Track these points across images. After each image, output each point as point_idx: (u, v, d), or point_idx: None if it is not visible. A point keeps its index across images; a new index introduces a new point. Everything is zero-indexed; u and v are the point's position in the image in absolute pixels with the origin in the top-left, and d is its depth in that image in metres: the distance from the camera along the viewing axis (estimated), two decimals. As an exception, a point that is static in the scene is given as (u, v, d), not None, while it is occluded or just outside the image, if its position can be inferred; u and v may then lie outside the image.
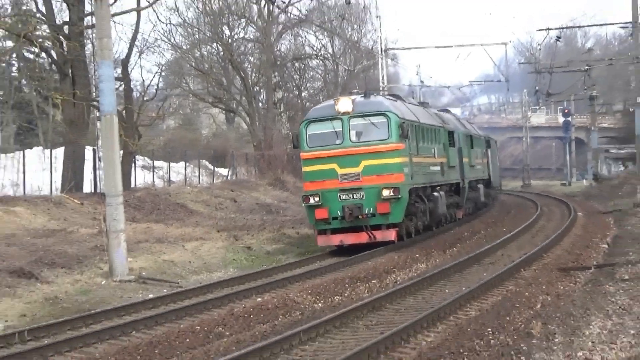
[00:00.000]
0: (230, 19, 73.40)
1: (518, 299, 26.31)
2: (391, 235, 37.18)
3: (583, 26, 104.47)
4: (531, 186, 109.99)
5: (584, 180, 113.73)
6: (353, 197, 35.88)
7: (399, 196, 36.44)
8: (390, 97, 47.24)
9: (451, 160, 51.32)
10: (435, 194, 45.27)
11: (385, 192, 35.54)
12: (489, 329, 21.71)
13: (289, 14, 77.34)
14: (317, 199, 36.09)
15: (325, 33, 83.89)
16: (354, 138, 36.53)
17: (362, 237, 36.98)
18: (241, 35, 72.22)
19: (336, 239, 36.60)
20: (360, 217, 36.32)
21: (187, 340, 23.22)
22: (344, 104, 36.25)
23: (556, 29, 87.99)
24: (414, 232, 42.82)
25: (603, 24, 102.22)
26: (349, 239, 36.28)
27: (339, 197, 36.29)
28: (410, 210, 40.14)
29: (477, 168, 67.41)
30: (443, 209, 46.93)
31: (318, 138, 37.21)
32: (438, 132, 48.65)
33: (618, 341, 18.07)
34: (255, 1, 73.14)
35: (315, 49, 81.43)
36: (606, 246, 38.94)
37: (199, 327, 24.75)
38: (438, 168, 47.31)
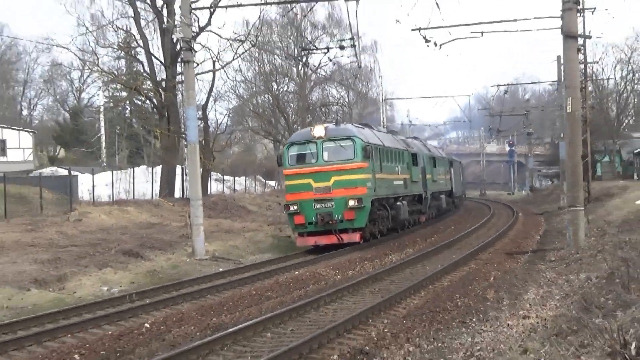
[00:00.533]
0: (277, 77, 73.08)
1: (477, 274, 26.57)
2: (356, 237, 35.76)
3: (523, 83, 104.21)
4: (486, 195, 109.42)
5: (523, 191, 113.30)
6: (325, 206, 34.64)
7: (362, 205, 35.02)
8: (359, 125, 45.05)
9: (414, 177, 49.18)
10: (398, 203, 43.12)
11: (351, 202, 34.32)
12: (457, 295, 21.94)
13: (318, 74, 77.16)
14: (295, 207, 35.02)
15: (343, 87, 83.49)
16: (326, 158, 35.22)
17: (332, 239, 35.69)
18: (284, 88, 72.06)
19: (311, 240, 35.41)
20: (330, 222, 34.95)
21: (246, 301, 23.58)
22: (318, 130, 35.46)
23: (504, 85, 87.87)
24: (378, 234, 40.67)
25: (537, 82, 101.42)
26: (322, 240, 35.09)
27: (314, 206, 34.88)
28: (373, 217, 38.20)
29: (440, 182, 64.22)
30: (405, 215, 44.74)
31: (297, 158, 36.26)
32: (402, 154, 46.49)
33: (547, 304, 18.30)
34: (294, 65, 72.77)
35: (335, 98, 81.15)
36: (539, 237, 38.91)
37: (254, 292, 25.23)
38: (402, 182, 45.54)
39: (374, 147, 37.54)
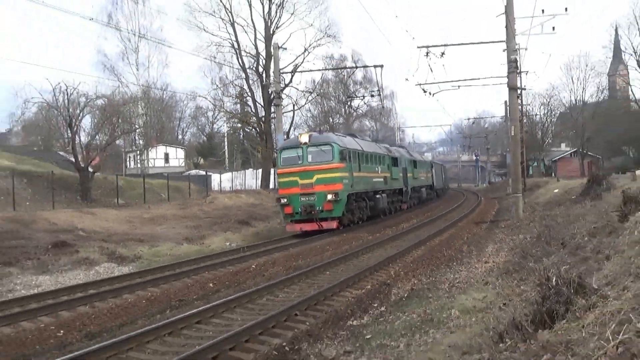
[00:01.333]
0: (332, 114, 73.17)
1: (456, 236, 26.10)
2: (333, 224, 30.63)
3: (484, 117, 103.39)
4: (461, 187, 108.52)
5: (484, 184, 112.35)
6: (309, 199, 30.09)
7: (339, 199, 30.27)
8: (340, 134, 38.43)
9: (394, 175, 42.49)
10: (378, 196, 37.25)
11: (329, 196, 29.76)
12: (444, 248, 21.63)
13: (357, 112, 77.17)
14: (285, 200, 30.55)
15: (373, 120, 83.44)
16: (310, 160, 30.55)
17: (314, 226, 30.81)
18: (337, 121, 71.95)
19: (298, 227, 30.75)
20: (312, 212, 30.28)
21: (313, 252, 23.66)
22: (304, 137, 31.00)
23: (472, 118, 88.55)
24: (358, 221, 34.61)
25: (492, 116, 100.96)
26: (306, 227, 30.48)
27: (300, 199, 30.34)
28: (350, 207, 32.68)
29: (420, 179, 56.07)
30: (384, 205, 38.71)
31: (288, 160, 31.46)
32: (382, 157, 39.95)
33: (499, 254, 18.10)
34: (342, 106, 72.86)
35: (368, 127, 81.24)
36: (494, 212, 38.42)
37: (318, 247, 25.27)
38: (382, 180, 39.03)
39: (352, 151, 32.81)
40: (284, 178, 31.30)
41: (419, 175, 53.67)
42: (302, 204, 30.17)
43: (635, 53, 66.32)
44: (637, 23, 64.52)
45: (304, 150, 30.63)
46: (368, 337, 10.08)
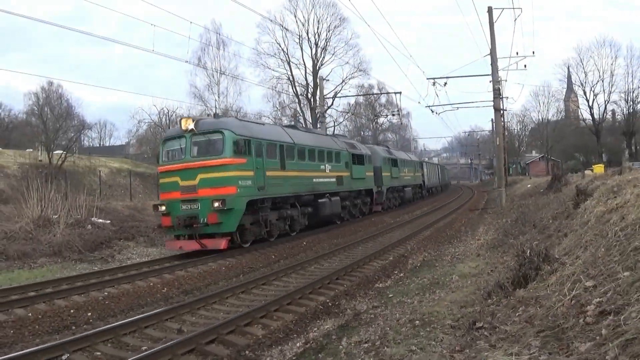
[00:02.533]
0: (363, 129, 72.74)
1: (456, 219, 25.99)
2: (221, 244, 17.59)
3: (477, 131, 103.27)
4: (460, 184, 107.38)
5: (477, 181, 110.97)
6: (191, 207, 18.07)
7: (231, 208, 17.44)
8: (248, 120, 22.96)
9: (356, 174, 28.70)
10: (323, 200, 24.21)
11: (215, 204, 17.42)
12: (446, 229, 21.68)
13: (382, 127, 76.75)
14: (163, 208, 18.52)
15: (394, 133, 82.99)
16: (195, 153, 18.61)
17: (195, 245, 17.80)
18: (367, 134, 71.53)
19: (177, 244, 18.21)
20: (194, 226, 17.70)
21: (349, 231, 23.03)
22: (186, 123, 18.65)
23: (468, 132, 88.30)
24: (268, 236, 19.88)
25: (483, 130, 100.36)
26: (187, 245, 18.03)
27: (181, 207, 18.23)
28: (255, 219, 19.01)
29: (404, 179, 41.40)
30: (334, 210, 25.28)
31: (170, 154, 19.41)
32: (334, 154, 26.17)
33: (488, 233, 17.88)
34: (371, 122, 72.45)
35: (390, 139, 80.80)
36: (484, 202, 38.10)
37: (353, 228, 24.39)
38: (331, 180, 25.36)
39: (264, 143, 19.38)
40: (165, 178, 18.31)
41: (401, 175, 40.23)
42: (182, 215, 17.24)
43: (582, 85, 67.37)
44: (582, 64, 65.66)
45: (187, 141, 17.78)
46: (390, 295, 10.12)
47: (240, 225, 17.70)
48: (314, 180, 23.30)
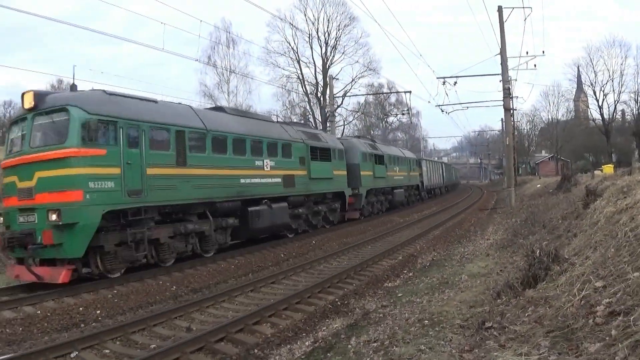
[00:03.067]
0: (372, 128, 72.44)
1: (465, 219, 25.80)
2: (59, 276, 10.99)
3: (486, 130, 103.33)
4: (469, 183, 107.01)
5: (486, 181, 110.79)
6: (27, 220, 11.25)
7: (75, 222, 10.92)
8: (118, 93, 13.44)
9: (316, 173, 21.93)
10: (255, 208, 17.57)
11: (52, 217, 10.71)
12: (456, 229, 21.52)
13: (391, 126, 76.60)
14: (1, 220, 12.14)
15: (404, 132, 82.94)
16: (36, 142, 11.62)
17: (30, 276, 11.19)
18: (377, 133, 71.30)
19: (16, 271, 11.61)
20: (27, 247, 10.93)
21: (357, 231, 22.82)
22: (28, 99, 11.69)
23: (478, 131, 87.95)
24: (153, 260, 13.69)
25: (492, 129, 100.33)
26: (23, 275, 11.41)
27: (18, 219, 11.49)
28: (118, 238, 12.27)
29: (393, 179, 34.05)
30: (279, 219, 19.06)
31: (14, 143, 12.37)
32: (280, 146, 19.54)
33: (498, 233, 17.80)
34: (380, 122, 72.29)
35: (400, 137, 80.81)
36: (493, 202, 38.00)
37: (362, 227, 24.19)
38: (275, 180, 18.86)
39: (144, 126, 12.90)
40: (5, 178, 12.55)
41: (390, 174, 33.36)
42: (16, 231, 11.65)
43: (591, 85, 67.08)
44: (592, 63, 65.40)
45: (29, 124, 11.98)
46: (399, 295, 10.09)
47: (97, 248, 12.07)
48: (243, 181, 16.78)
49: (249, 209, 17.24)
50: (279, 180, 19.10)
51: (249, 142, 17.42)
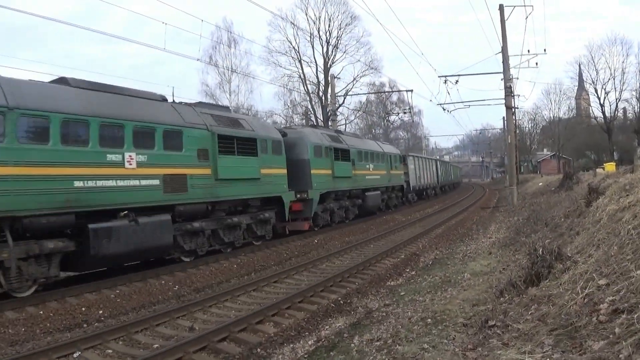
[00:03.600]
0: (374, 127, 72.51)
1: (467, 218, 25.80)
2: None
3: (488, 129, 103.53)
4: (471, 181, 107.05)
5: (488, 179, 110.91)
6: None
7: None
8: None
9: (224, 173, 15.28)
10: (101, 225, 11.39)
11: None
12: (458, 227, 21.50)
13: (393, 125, 76.66)
14: None
15: (406, 131, 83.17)
16: None
17: None
18: (378, 132, 71.29)
19: None
20: None
21: (360, 230, 22.84)
22: None
23: (479, 129, 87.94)
24: None
25: (494, 128, 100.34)
26: None
27: None
28: None
29: (368, 178, 27.63)
30: (137, 241, 12.15)
31: None
32: (161, 133, 13.15)
33: (500, 231, 17.82)
34: (382, 120, 72.37)
35: (402, 136, 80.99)
36: (496, 200, 37.97)
37: (364, 226, 24.12)
38: (152, 182, 12.63)
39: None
40: None
41: (360, 173, 26.85)
42: None
43: (593, 83, 67.00)
44: (594, 61, 65.25)
45: None
46: (402, 293, 10.09)
47: None
48: (79, 184, 11.24)
49: (90, 226, 11.48)
50: (156, 182, 13.14)
51: (96, 126, 11.76)
